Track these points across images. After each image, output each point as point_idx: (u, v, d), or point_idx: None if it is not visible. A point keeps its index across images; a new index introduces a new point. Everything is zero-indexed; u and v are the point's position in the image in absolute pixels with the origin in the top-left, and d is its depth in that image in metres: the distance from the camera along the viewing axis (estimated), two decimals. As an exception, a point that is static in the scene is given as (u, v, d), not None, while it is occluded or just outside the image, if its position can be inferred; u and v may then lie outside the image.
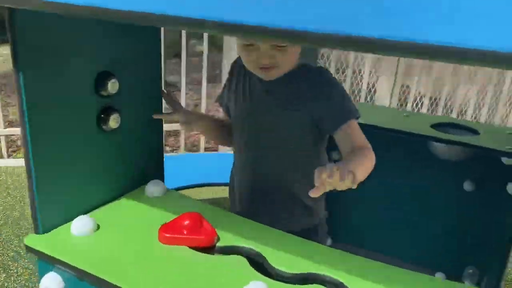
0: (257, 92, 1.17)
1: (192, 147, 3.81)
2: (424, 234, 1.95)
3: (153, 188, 1.11)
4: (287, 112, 1.14)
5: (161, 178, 1.18)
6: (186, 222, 0.92)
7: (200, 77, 6.69)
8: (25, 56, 0.81)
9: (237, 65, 1.22)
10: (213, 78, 5.66)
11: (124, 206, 1.06)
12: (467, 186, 1.94)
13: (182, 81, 3.30)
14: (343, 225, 1.79)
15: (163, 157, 1.21)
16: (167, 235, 0.91)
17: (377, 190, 1.79)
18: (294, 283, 0.83)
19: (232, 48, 3.35)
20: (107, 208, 1.04)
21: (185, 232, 0.91)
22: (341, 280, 0.83)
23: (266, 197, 1.21)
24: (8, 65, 0.94)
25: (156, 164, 1.19)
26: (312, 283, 0.82)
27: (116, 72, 0.98)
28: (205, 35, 3.29)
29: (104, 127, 0.99)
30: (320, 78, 1.14)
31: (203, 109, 3.44)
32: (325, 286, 0.82)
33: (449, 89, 3.89)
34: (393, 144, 1.83)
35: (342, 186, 0.85)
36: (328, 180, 0.81)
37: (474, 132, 1.80)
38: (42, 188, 0.90)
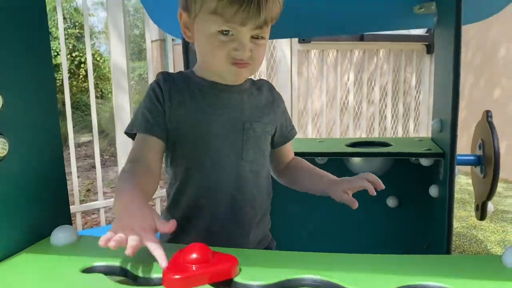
0: (219, 105, 1.00)
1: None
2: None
3: (62, 235, 0.86)
4: (256, 126, 1.02)
5: (69, 223, 0.94)
6: (194, 256, 0.67)
7: (86, 164, 6.43)
8: None
9: (170, 83, 0.99)
10: (102, 163, 5.52)
11: (27, 261, 0.79)
12: (390, 202, 1.95)
13: (73, 170, 3.07)
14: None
15: (67, 196, 0.97)
16: (178, 276, 0.64)
17: (309, 213, 1.73)
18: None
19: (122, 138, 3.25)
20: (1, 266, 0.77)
21: (204, 266, 0.66)
22: (322, 278, 0.68)
23: (236, 222, 1.03)
24: None
25: (62, 205, 0.95)
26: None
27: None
28: (94, 128, 3.10)
29: (-14, 157, 0.76)
30: (272, 90, 1.11)
31: (99, 190, 3.19)
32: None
33: (342, 130, 4.16)
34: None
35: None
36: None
37: (387, 145, 1.84)
38: None
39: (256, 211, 1.05)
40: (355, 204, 1.00)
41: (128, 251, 0.66)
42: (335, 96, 4.33)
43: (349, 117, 4.40)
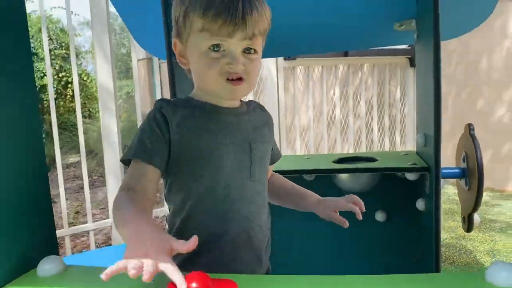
0: (224, 127, 0.99)
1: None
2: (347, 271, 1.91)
3: (48, 266, 0.85)
4: (261, 145, 1.03)
5: (56, 253, 0.94)
6: (194, 285, 0.66)
7: (75, 185, 6.37)
8: None
9: (172, 109, 0.97)
10: (91, 184, 5.48)
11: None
12: (379, 216, 1.97)
13: (61, 192, 3.04)
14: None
15: (53, 224, 0.96)
16: None
17: (297, 228, 1.74)
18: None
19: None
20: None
21: None
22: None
23: (247, 248, 1.01)
24: None
25: (48, 232, 0.94)
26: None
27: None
28: (81, 149, 3.09)
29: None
30: (264, 111, 1.12)
31: (88, 212, 3.17)
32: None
33: (329, 144, 4.21)
34: (301, 185, 1.82)
35: None
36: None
37: (373, 160, 1.86)
38: None
39: (263, 231, 1.05)
40: (346, 223, 1.06)
41: (146, 277, 0.64)
42: (321, 111, 4.37)
43: (336, 131, 4.44)
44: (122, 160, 0.97)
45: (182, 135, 0.95)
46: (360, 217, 1.04)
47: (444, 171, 1.62)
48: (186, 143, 0.95)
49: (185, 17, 0.94)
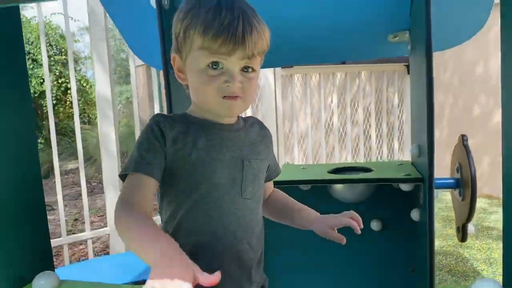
0: (220, 144, 1.00)
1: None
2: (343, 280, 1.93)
3: (43, 281, 0.86)
4: (254, 163, 1.04)
5: (51, 268, 0.95)
6: None
7: (74, 192, 6.36)
8: None
9: (170, 123, 0.98)
10: (90, 190, 5.48)
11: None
12: (374, 225, 1.98)
13: (59, 199, 3.04)
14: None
15: (49, 238, 0.97)
16: None
17: (292, 238, 1.75)
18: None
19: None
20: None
21: None
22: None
23: (238, 261, 1.01)
24: None
25: (43, 247, 0.95)
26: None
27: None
28: (79, 155, 3.09)
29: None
30: (263, 127, 1.13)
31: (86, 220, 3.18)
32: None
33: (328, 152, 4.23)
34: (297, 195, 1.83)
35: None
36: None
37: (368, 170, 1.87)
38: None
39: (254, 249, 1.05)
40: (344, 240, 1.08)
41: None
42: (319, 118, 4.39)
43: (334, 138, 4.46)
44: (120, 176, 0.96)
45: (177, 150, 0.96)
46: (359, 232, 1.06)
47: (438, 181, 1.63)
48: (181, 158, 0.96)
49: (185, 33, 0.95)
